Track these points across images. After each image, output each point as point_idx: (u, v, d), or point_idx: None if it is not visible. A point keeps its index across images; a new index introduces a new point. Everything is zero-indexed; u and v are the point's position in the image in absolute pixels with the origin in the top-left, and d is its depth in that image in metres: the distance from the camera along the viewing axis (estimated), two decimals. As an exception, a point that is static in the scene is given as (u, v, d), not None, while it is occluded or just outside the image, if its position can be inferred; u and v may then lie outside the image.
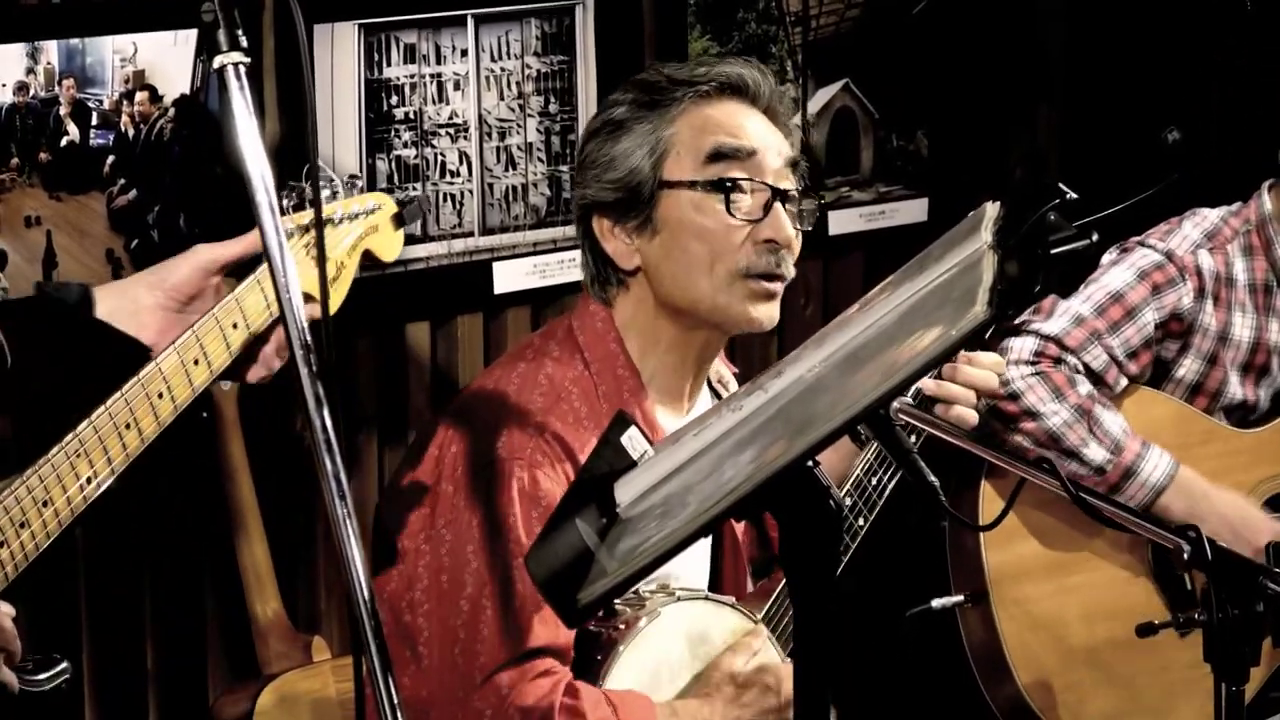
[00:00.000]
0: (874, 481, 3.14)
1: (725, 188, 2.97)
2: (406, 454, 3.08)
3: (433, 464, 2.98)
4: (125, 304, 2.67)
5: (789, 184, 3.02)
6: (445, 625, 2.89)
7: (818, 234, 4.64)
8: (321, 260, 2.42)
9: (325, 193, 2.75)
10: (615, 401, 2.99)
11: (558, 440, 2.94)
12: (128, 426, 2.56)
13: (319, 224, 2.44)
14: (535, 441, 2.93)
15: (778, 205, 2.98)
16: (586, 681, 2.91)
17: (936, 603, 3.75)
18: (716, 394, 3.20)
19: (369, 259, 2.90)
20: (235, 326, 2.67)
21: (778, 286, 3.01)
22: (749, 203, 2.99)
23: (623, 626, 2.94)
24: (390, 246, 2.93)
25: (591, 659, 2.93)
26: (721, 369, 3.24)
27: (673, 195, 3.00)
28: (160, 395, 2.59)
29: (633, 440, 2.19)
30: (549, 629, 2.88)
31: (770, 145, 3.02)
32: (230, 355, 2.67)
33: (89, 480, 2.54)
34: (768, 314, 3.01)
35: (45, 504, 2.51)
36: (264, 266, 2.65)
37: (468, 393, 3.12)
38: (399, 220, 2.93)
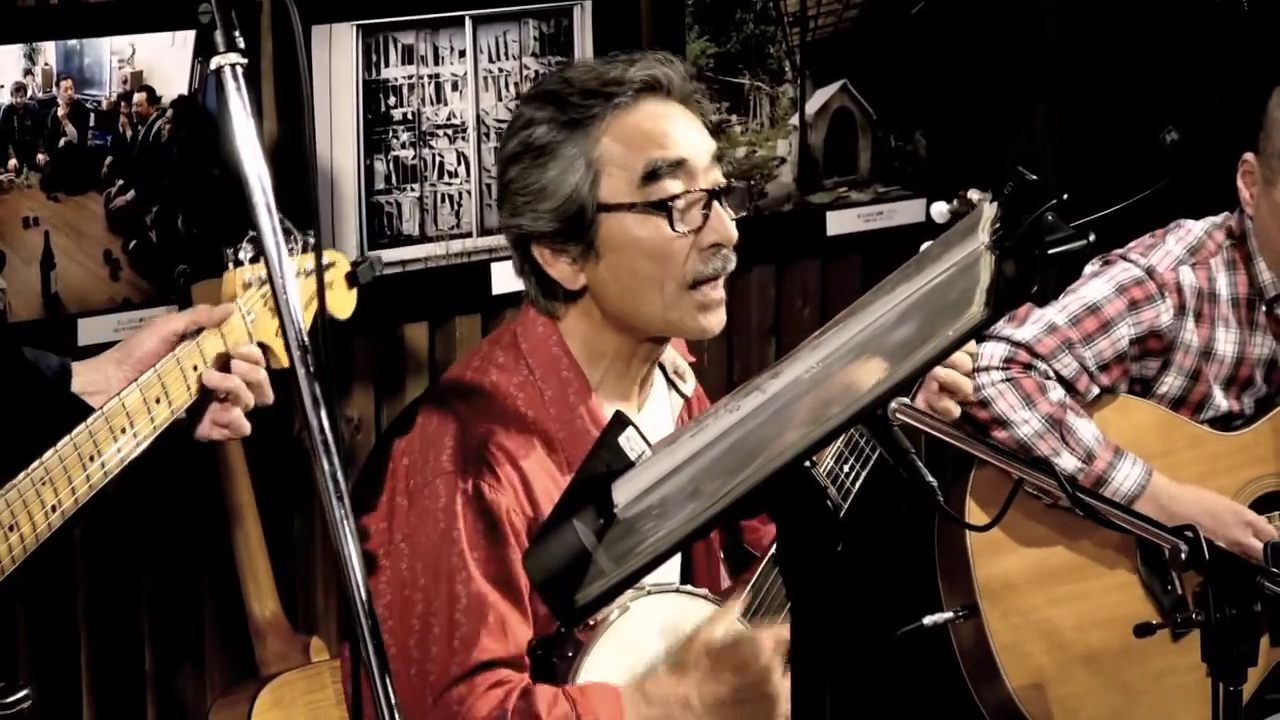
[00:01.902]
0: (845, 469, 3.12)
1: (666, 207, 2.94)
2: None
3: (389, 477, 2.97)
4: (99, 379, 2.71)
5: (718, 178, 2.99)
6: (403, 643, 2.88)
7: (816, 234, 4.65)
8: (319, 259, 2.42)
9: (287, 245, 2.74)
10: (561, 405, 2.97)
11: (501, 449, 2.92)
12: (91, 459, 2.58)
13: (317, 224, 2.44)
14: (480, 452, 2.91)
15: (715, 206, 2.96)
16: (559, 679, 2.89)
17: (928, 620, 3.72)
18: (671, 383, 3.18)
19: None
20: (195, 368, 2.69)
21: (722, 292, 2.99)
22: (688, 213, 2.96)
23: (591, 623, 2.92)
24: (342, 305, 2.92)
25: (562, 656, 2.92)
26: (677, 359, 3.21)
27: (613, 217, 2.95)
28: (124, 430, 2.61)
29: (630, 441, 2.19)
30: (498, 641, 2.86)
31: (697, 145, 2.97)
32: (190, 396, 2.70)
33: (53, 509, 2.56)
34: (717, 321, 2.99)
35: (12, 529, 2.53)
36: (223, 314, 2.68)
37: (418, 403, 3.09)
38: (352, 279, 2.91)
